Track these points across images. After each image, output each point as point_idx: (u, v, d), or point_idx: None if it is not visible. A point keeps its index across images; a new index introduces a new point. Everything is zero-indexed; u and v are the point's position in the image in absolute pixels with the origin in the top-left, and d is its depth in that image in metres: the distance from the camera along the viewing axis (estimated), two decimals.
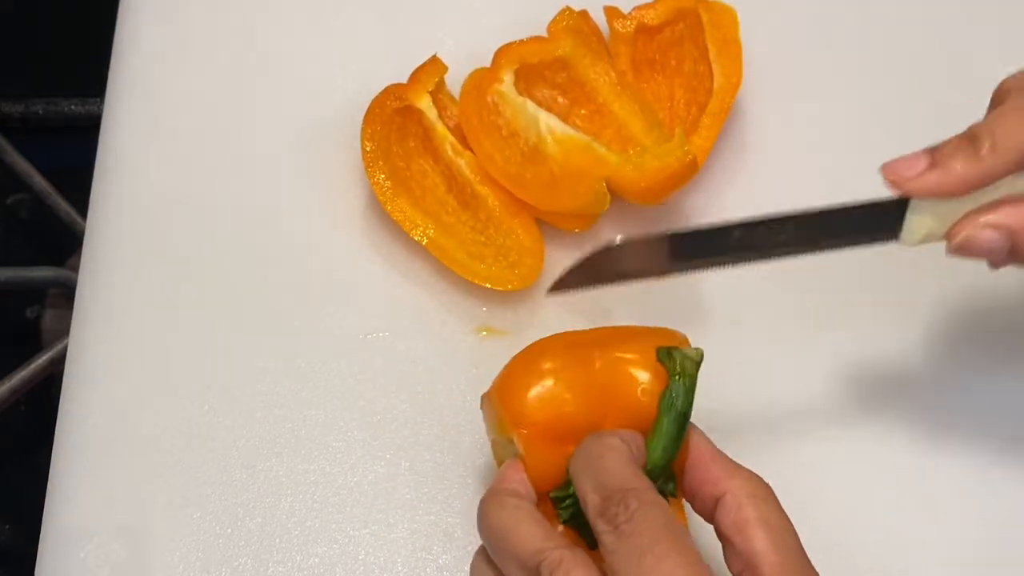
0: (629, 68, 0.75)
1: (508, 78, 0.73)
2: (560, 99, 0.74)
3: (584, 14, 0.75)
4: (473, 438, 0.66)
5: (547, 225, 0.71)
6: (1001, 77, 0.78)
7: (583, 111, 0.74)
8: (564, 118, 0.72)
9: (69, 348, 0.70)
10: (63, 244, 1.17)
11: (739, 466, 0.53)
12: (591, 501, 0.50)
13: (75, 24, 1.26)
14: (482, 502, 0.54)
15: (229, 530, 0.64)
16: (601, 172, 0.69)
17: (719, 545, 0.52)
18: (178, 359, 0.69)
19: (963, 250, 0.52)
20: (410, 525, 0.65)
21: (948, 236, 0.53)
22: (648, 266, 0.55)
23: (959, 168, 0.51)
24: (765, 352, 0.69)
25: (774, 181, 0.74)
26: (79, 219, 1.13)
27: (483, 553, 0.54)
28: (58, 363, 1.05)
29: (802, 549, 0.50)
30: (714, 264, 0.55)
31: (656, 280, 0.56)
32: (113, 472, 0.66)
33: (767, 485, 0.52)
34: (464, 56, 0.74)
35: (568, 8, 0.75)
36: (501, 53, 0.74)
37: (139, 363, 0.68)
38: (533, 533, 0.50)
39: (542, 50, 0.74)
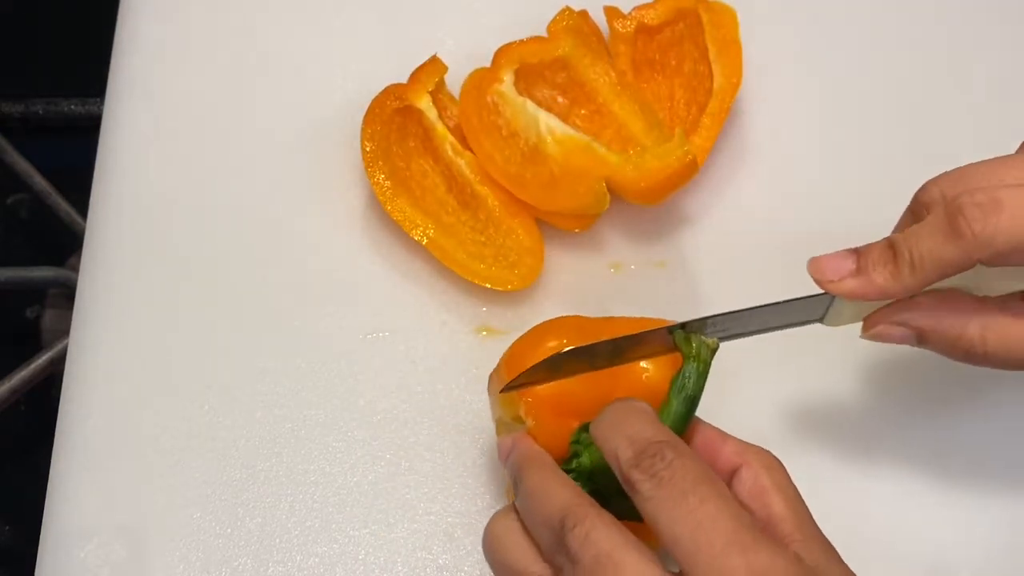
0: (629, 68, 0.75)
1: (508, 78, 0.73)
2: (560, 99, 0.74)
3: (584, 14, 0.75)
4: (473, 438, 0.66)
5: (547, 225, 0.71)
6: (1000, 78, 0.78)
7: (583, 111, 0.74)
8: (564, 118, 0.72)
9: (69, 348, 0.70)
10: (63, 244, 1.17)
11: (749, 443, 0.53)
12: (624, 455, 0.49)
13: (75, 24, 1.26)
14: (521, 466, 0.53)
15: (229, 530, 0.64)
16: (601, 172, 0.69)
17: None
18: (178, 359, 0.69)
19: (876, 339, 0.57)
20: (410, 525, 0.65)
21: (864, 325, 0.57)
22: (593, 366, 0.57)
23: (879, 281, 0.54)
24: (763, 351, 0.69)
25: (774, 181, 0.74)
26: (79, 219, 1.13)
27: (505, 518, 0.53)
28: (58, 363, 1.05)
29: (811, 514, 0.51)
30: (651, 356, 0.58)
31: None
32: (113, 472, 0.66)
33: (778, 458, 0.53)
34: (464, 56, 0.74)
35: (568, 8, 0.75)
36: (501, 53, 0.74)
37: (139, 363, 0.68)
38: (562, 492, 0.50)
39: (542, 50, 0.74)
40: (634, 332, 0.57)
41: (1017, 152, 0.57)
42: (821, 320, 0.58)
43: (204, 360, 0.69)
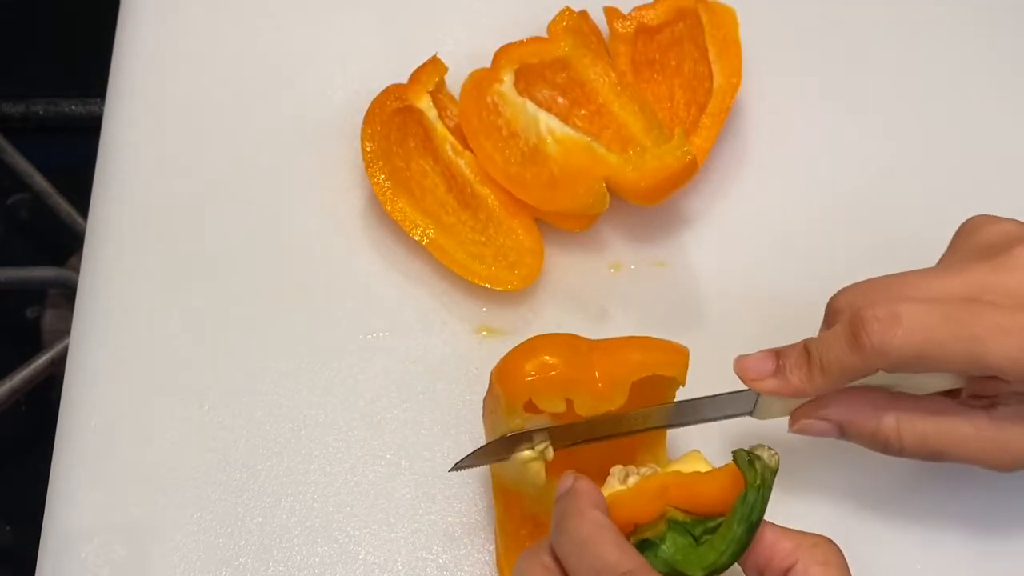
0: (629, 68, 0.75)
1: (508, 78, 0.73)
2: (560, 99, 0.74)
3: (584, 14, 0.75)
4: (473, 438, 0.66)
5: (547, 225, 0.71)
6: (1001, 77, 0.78)
7: (583, 111, 0.74)
8: (564, 118, 0.72)
9: (69, 348, 0.70)
10: (63, 244, 1.17)
11: (806, 534, 0.54)
12: None
13: (75, 24, 1.26)
14: (564, 513, 0.53)
15: (229, 530, 0.64)
16: (601, 172, 0.69)
17: None
18: (178, 359, 0.69)
19: (801, 433, 0.60)
20: (410, 525, 0.65)
21: (790, 420, 0.60)
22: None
23: (795, 381, 0.58)
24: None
25: (774, 181, 0.74)
26: (79, 219, 1.13)
27: (541, 557, 0.53)
28: (58, 363, 1.05)
29: None
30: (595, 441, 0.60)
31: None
32: (113, 472, 0.66)
33: (837, 549, 0.53)
34: (464, 56, 0.74)
35: (568, 8, 0.75)
36: (501, 53, 0.74)
37: (139, 363, 0.68)
38: (615, 549, 0.51)
39: (542, 50, 0.74)
40: (623, 351, 0.58)
41: (936, 266, 0.60)
42: (750, 414, 0.61)
43: (204, 360, 0.69)
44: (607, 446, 0.61)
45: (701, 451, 0.58)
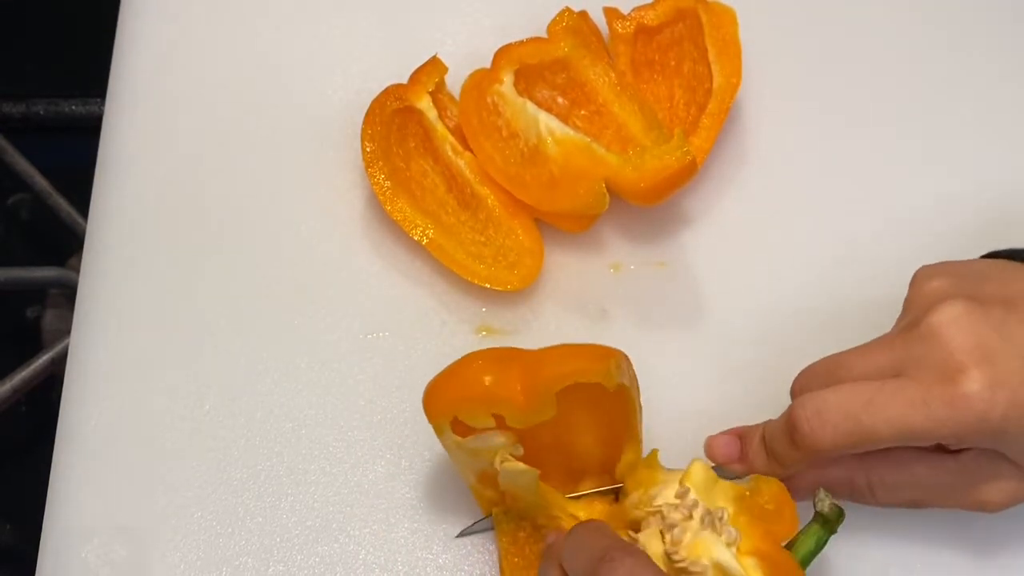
0: (628, 69, 0.75)
1: (508, 79, 0.73)
2: (560, 99, 0.74)
3: (584, 15, 0.75)
4: None
5: (547, 225, 0.71)
6: (1001, 77, 0.78)
7: (583, 111, 0.74)
8: (564, 119, 0.73)
9: (69, 348, 0.70)
10: (64, 244, 1.17)
11: None
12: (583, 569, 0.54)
13: (75, 24, 1.27)
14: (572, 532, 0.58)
15: (230, 530, 0.64)
16: (601, 173, 0.69)
17: None
18: (178, 359, 0.69)
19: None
20: (410, 525, 0.65)
21: None
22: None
23: (758, 466, 0.61)
24: (763, 350, 0.69)
25: (774, 181, 0.74)
26: (80, 219, 1.13)
27: (548, 558, 0.59)
28: (58, 363, 1.05)
29: None
30: None
31: None
32: (113, 472, 0.66)
33: None
34: (464, 57, 0.74)
35: (568, 8, 0.75)
36: (501, 54, 0.74)
37: (139, 363, 0.68)
38: (604, 539, 0.55)
39: (542, 51, 0.74)
40: (544, 363, 0.58)
41: (874, 340, 0.61)
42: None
43: (204, 360, 0.69)
44: (581, 444, 0.62)
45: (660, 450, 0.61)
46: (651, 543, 0.57)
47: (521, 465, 0.58)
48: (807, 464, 0.60)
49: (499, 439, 0.58)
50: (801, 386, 0.61)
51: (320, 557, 0.64)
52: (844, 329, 0.70)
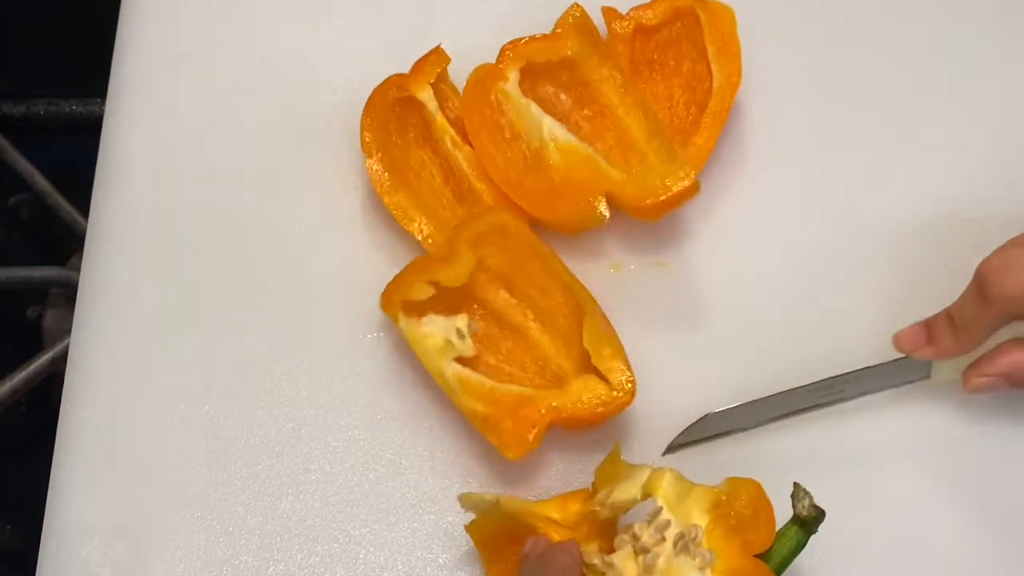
0: (628, 68, 0.75)
1: (514, 76, 0.72)
2: (563, 97, 0.74)
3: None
4: (473, 437, 0.66)
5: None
6: (1001, 76, 0.78)
7: (586, 111, 0.74)
8: (566, 117, 0.72)
9: (70, 348, 0.70)
10: (64, 244, 1.17)
11: None
12: None
13: (76, 24, 1.26)
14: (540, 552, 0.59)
15: (230, 529, 0.64)
16: (602, 187, 0.68)
17: None
18: (178, 359, 0.69)
19: (976, 392, 0.65)
20: (410, 525, 0.65)
21: (963, 383, 0.66)
22: (732, 427, 0.67)
23: (947, 344, 0.64)
24: (765, 350, 0.69)
25: (774, 181, 0.74)
26: (80, 219, 1.13)
27: None
28: (59, 363, 1.05)
29: None
30: (787, 418, 0.67)
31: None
32: (113, 472, 0.66)
33: None
34: (463, 57, 0.74)
35: (577, 4, 0.74)
36: (508, 50, 0.73)
37: (139, 363, 0.68)
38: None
39: (548, 49, 0.73)
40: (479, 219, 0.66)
41: None
42: (928, 378, 0.67)
43: (204, 360, 0.69)
44: (536, 340, 0.68)
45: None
46: (627, 566, 0.58)
47: (476, 495, 0.60)
48: (999, 352, 0.63)
49: (454, 319, 0.65)
50: (978, 264, 0.63)
51: (320, 556, 0.64)
52: (844, 328, 0.70)
